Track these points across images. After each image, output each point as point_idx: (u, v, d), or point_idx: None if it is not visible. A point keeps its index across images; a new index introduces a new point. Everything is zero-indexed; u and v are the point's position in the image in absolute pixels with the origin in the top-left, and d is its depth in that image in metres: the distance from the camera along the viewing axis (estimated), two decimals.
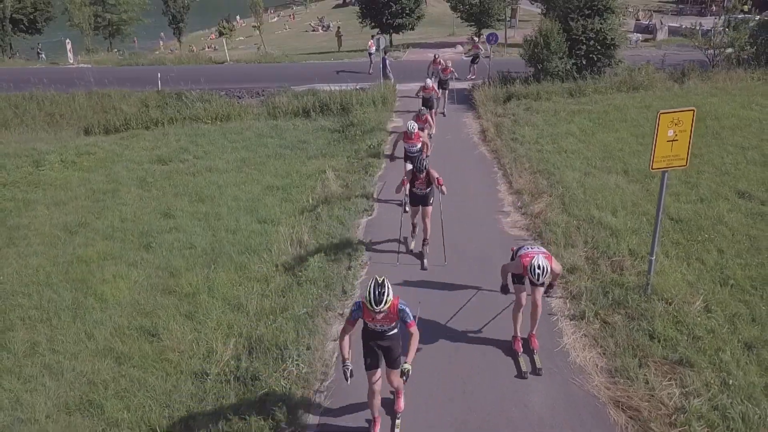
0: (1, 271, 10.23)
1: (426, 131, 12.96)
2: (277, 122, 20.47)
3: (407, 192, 9.18)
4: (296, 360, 6.74)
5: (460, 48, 38.34)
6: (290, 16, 77.93)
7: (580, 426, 5.75)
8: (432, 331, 7.32)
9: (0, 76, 27.86)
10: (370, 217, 11.54)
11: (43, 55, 32.82)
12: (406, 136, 11.58)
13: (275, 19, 77.47)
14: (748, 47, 22.46)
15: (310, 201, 12.71)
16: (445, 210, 10.11)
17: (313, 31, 62.23)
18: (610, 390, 6.16)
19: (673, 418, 5.64)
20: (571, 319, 7.56)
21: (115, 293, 9.09)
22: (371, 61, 27.85)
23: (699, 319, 7.15)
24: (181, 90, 24.04)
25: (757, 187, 11.54)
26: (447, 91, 19.88)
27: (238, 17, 70.47)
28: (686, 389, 6.01)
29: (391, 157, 13.02)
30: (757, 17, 24.29)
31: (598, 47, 21.19)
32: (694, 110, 7.04)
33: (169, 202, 13.16)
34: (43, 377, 7.15)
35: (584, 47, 21.11)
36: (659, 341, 6.78)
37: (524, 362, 6.71)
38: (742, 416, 5.58)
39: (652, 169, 7.26)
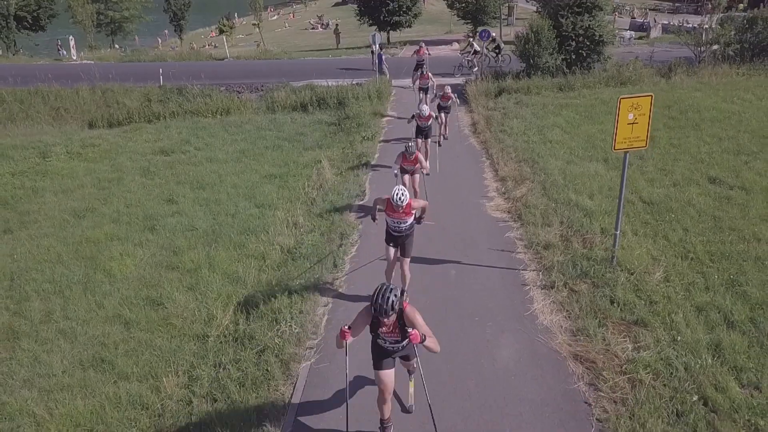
0: (15, 250, 10.92)
1: (417, 176, 11.08)
2: (275, 116, 21.14)
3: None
4: (289, 322, 7.43)
5: (456, 45, 39.03)
6: (290, 14, 78.61)
7: (541, 375, 6.43)
8: (416, 300, 8.00)
9: (5, 72, 28.56)
10: (361, 202, 12.21)
11: (64, 51, 33.38)
12: (389, 206, 7.53)
13: (275, 18, 78.15)
14: (734, 44, 23.08)
15: (306, 188, 13.38)
16: (433, 196, 10.79)
17: (313, 29, 62.87)
18: (571, 346, 6.84)
19: (623, 367, 6.32)
20: (542, 289, 8.24)
21: (122, 269, 9.77)
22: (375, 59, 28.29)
23: (658, 287, 7.83)
24: (183, 85, 24.72)
25: (727, 174, 12.19)
26: (447, 115, 16.46)
27: (236, 15, 71.06)
28: (638, 345, 6.69)
29: (373, 217, 8.38)
30: (743, 14, 24.94)
31: (587, 43, 21.88)
32: (651, 96, 7.71)
33: (172, 189, 13.82)
34: (58, 340, 7.83)
35: (574, 43, 21.78)
36: (619, 306, 7.46)
37: None
38: (685, 366, 6.25)
39: (615, 150, 7.94)
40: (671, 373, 6.16)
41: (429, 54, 24.72)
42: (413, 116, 13.52)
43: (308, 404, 6.21)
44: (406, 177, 10.81)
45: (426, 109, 13.03)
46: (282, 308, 7.72)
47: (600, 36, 21.83)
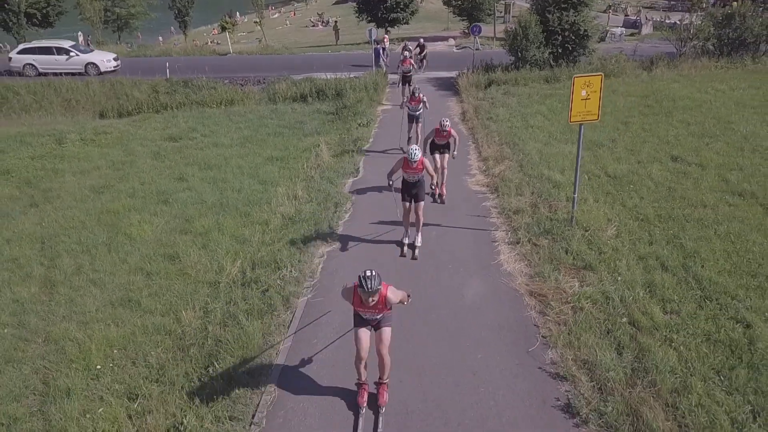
0: (42, 220, 12.14)
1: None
2: (276, 106, 22.36)
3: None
4: (290, 269, 8.66)
5: (452, 41, 40.27)
6: (291, 12, 79.82)
7: (501, 307, 7.67)
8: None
9: None
10: (356, 178, 13.44)
11: (92, 47, 34.42)
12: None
13: (276, 16, 79.34)
14: (713, 38, 24.27)
15: (305, 168, 14.61)
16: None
17: (313, 26, 64.08)
18: (528, 286, 8.07)
19: (569, 299, 7.54)
20: (508, 244, 9.47)
21: (140, 233, 10.99)
22: (386, 54, 29.19)
23: (608, 241, 9.05)
24: (189, 78, 25.95)
25: (689, 153, 13.40)
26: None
27: (237, 14, 72.27)
28: (584, 283, 7.91)
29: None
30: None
31: (573, 38, 23.07)
32: (602, 75, 8.91)
33: (182, 170, 15.03)
34: (89, 287, 9.06)
35: (560, 38, 22.97)
36: (572, 255, 8.68)
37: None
38: (620, 298, 7.47)
39: (571, 122, 9.13)
40: (607, 303, 7.39)
41: (414, 67, 22.57)
42: (391, 184, 9.63)
43: (305, 328, 7.44)
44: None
45: (416, 153, 8.90)
46: (283, 258, 8.95)
47: (585, 31, 23.02)
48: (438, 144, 11.43)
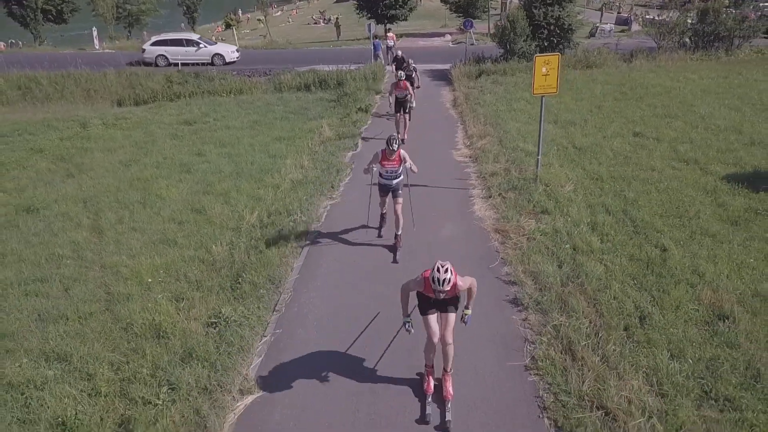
0: (80, 186, 13.93)
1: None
2: (282, 95, 24.17)
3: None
4: (300, 215, 10.46)
5: (448, 37, 42.05)
6: (293, 10, 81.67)
7: (471, 241, 9.48)
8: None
9: (39, 59, 31.59)
10: (355, 151, 15.25)
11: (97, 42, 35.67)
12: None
13: (278, 14, 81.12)
14: (689, 33, 26.04)
15: (310, 144, 16.40)
16: (413, 149, 13.83)
17: (315, 23, 65.87)
18: (495, 226, 9.87)
19: (525, 233, 9.34)
20: (482, 198, 11.29)
21: (169, 194, 12.78)
22: (390, 52, 30.75)
23: (565, 194, 10.85)
24: (199, 70, 27.74)
25: (650, 130, 15.17)
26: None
27: (240, 11, 74.08)
28: (540, 223, 9.70)
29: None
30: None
31: (558, 31, 24.85)
32: (559, 55, 10.69)
33: (199, 147, 16.82)
34: (131, 232, 10.85)
35: (545, 32, 24.76)
36: (533, 204, 10.48)
37: None
38: (567, 232, 9.26)
39: (533, 94, 10.91)
40: (556, 235, 9.19)
41: (411, 94, 15.63)
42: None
43: (314, 254, 9.26)
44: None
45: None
46: (294, 207, 10.75)
47: (569, 25, 24.81)
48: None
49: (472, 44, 37.58)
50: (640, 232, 9.25)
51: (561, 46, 25.45)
